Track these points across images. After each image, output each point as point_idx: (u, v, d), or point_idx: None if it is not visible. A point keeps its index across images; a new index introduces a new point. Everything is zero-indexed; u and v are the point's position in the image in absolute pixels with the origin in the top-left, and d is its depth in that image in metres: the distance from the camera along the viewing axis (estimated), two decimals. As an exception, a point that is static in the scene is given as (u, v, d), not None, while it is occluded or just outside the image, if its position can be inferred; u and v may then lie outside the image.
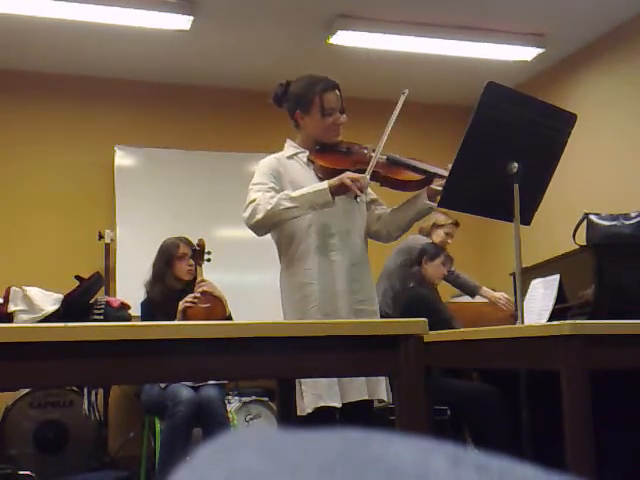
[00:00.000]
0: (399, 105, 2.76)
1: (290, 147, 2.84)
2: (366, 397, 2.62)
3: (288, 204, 2.56)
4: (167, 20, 4.91)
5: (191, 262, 3.94)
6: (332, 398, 2.55)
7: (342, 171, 2.72)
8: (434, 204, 2.71)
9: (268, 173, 2.72)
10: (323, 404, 2.54)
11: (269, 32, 5.23)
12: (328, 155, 2.76)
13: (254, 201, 2.60)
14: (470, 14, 5.07)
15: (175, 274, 3.95)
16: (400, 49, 5.42)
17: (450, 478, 0.28)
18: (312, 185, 2.61)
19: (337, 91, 2.76)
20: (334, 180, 2.55)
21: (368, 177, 2.58)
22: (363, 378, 2.60)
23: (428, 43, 5.35)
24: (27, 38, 5.18)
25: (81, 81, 5.81)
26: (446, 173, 2.66)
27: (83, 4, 4.63)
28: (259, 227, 2.62)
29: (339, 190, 2.55)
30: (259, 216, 2.57)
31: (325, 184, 2.56)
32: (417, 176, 2.74)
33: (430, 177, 2.73)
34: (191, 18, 4.87)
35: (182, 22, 4.93)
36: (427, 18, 5.10)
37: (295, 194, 2.57)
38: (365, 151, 2.80)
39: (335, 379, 2.55)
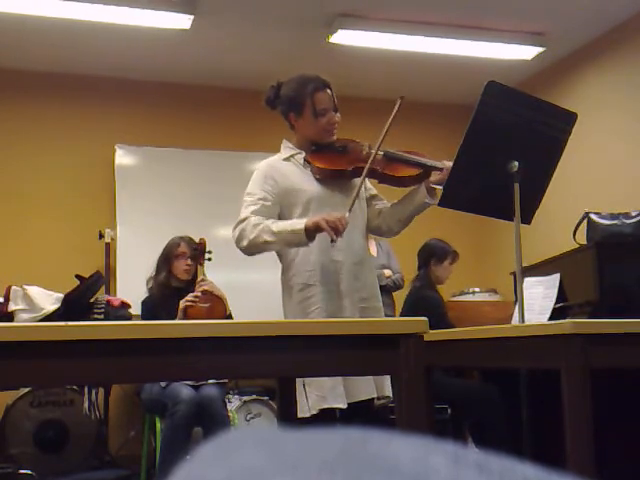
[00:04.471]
0: (395, 110, 2.76)
1: (286, 148, 2.83)
2: (375, 396, 2.60)
3: (268, 237, 2.58)
4: (167, 19, 4.91)
5: (189, 262, 3.96)
6: (336, 399, 2.52)
7: (339, 171, 2.73)
8: (433, 200, 2.71)
9: (261, 182, 2.71)
10: (327, 406, 2.51)
11: (270, 31, 5.23)
12: (324, 155, 2.75)
13: (243, 221, 2.62)
14: (470, 13, 5.07)
15: (173, 272, 3.99)
16: (401, 48, 5.42)
17: (450, 477, 0.28)
18: (292, 222, 2.60)
19: (328, 90, 2.73)
20: (311, 221, 2.53)
21: (347, 215, 2.55)
22: (370, 376, 2.58)
23: (428, 42, 5.35)
24: (26, 37, 5.18)
25: (81, 80, 5.81)
26: (442, 166, 2.67)
27: (83, 3, 4.62)
28: (245, 252, 2.67)
29: (316, 232, 2.54)
30: (244, 243, 2.61)
31: (302, 224, 2.54)
32: (414, 171, 2.75)
33: (427, 171, 2.73)
34: (191, 17, 4.87)
35: (182, 21, 4.93)
36: (427, 17, 5.10)
37: (276, 228, 2.58)
38: (361, 148, 2.80)
39: (340, 379, 2.53)
